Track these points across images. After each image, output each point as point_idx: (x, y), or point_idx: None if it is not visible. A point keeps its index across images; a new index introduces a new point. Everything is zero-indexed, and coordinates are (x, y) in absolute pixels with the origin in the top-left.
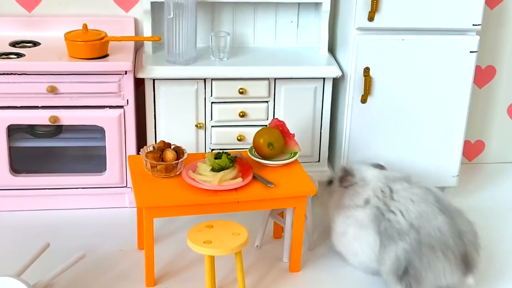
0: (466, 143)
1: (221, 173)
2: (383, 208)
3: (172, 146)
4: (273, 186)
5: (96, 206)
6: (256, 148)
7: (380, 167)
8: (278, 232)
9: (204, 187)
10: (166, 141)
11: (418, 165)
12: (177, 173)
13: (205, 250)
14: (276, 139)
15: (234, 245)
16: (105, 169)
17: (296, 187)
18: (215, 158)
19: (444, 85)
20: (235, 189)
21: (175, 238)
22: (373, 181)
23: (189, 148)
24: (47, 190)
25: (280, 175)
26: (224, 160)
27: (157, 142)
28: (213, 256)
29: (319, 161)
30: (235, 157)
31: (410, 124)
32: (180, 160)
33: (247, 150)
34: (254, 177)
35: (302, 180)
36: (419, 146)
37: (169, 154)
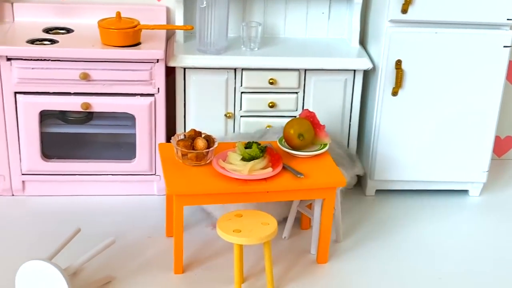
0: (496, 138)
1: (251, 162)
2: None
3: (203, 135)
4: (302, 176)
5: (125, 193)
6: (286, 138)
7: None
8: (306, 224)
9: (234, 176)
10: (197, 129)
11: (448, 160)
12: (208, 161)
13: (235, 239)
14: (307, 130)
15: (263, 235)
16: (135, 157)
17: (326, 178)
18: (246, 148)
19: (476, 80)
20: (265, 179)
21: (204, 226)
22: None
23: (218, 137)
24: (77, 176)
25: (309, 166)
26: (254, 150)
27: (188, 130)
28: (242, 245)
29: None
30: (265, 147)
31: (440, 118)
32: (210, 149)
33: (277, 140)
34: (283, 168)
35: (332, 171)
36: (449, 140)
37: (200, 143)
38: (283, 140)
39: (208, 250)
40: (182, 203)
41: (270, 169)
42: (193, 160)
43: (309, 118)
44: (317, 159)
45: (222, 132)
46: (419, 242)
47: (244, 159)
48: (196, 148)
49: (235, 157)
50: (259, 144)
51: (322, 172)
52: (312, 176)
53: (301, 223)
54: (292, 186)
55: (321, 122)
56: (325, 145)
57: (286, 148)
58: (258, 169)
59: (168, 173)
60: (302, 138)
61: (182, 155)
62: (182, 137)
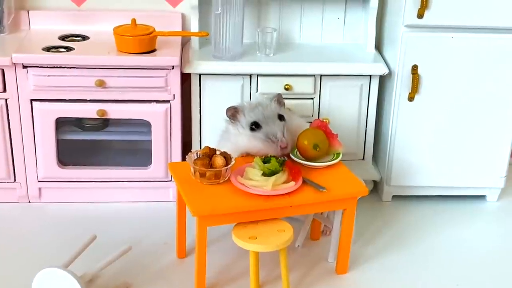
0: None
1: (273, 177)
2: None
3: (217, 152)
4: (325, 190)
5: (141, 199)
6: (300, 149)
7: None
8: (316, 234)
9: (257, 192)
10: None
11: (465, 165)
12: (226, 179)
13: (251, 246)
14: (321, 140)
15: (279, 242)
16: (151, 163)
17: (347, 188)
18: (264, 162)
19: (493, 84)
20: (288, 193)
21: (221, 237)
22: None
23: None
24: (93, 182)
25: (326, 177)
26: (274, 164)
27: (202, 148)
28: (258, 252)
29: (363, 159)
30: (284, 160)
31: (457, 123)
32: (229, 166)
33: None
34: (303, 181)
35: (351, 181)
36: (467, 145)
37: (219, 160)
38: (296, 150)
39: (223, 258)
40: (206, 224)
41: (292, 182)
42: (212, 179)
43: (322, 127)
44: (332, 169)
45: None
46: (437, 248)
47: (264, 174)
48: (215, 166)
49: (255, 173)
50: (277, 158)
51: (341, 182)
52: (332, 187)
53: (311, 233)
54: (315, 199)
55: (337, 128)
56: (338, 154)
57: (299, 159)
58: (280, 183)
59: (188, 194)
60: (318, 148)
61: (200, 174)
62: (196, 155)
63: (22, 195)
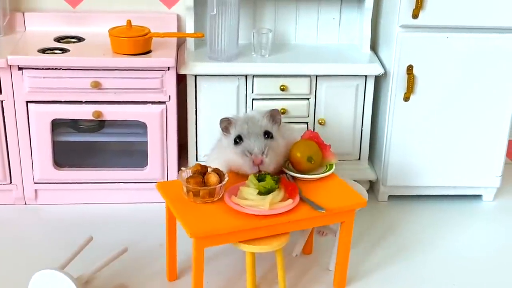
0: (509, 143)
1: (270, 196)
2: None
3: (209, 169)
4: (324, 211)
5: (137, 201)
6: (293, 162)
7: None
8: (308, 248)
9: (254, 212)
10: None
11: (461, 165)
12: (220, 196)
13: (247, 247)
14: (315, 152)
15: (276, 243)
16: (147, 164)
17: (345, 201)
18: (259, 181)
19: (489, 84)
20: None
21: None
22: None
23: None
24: (89, 184)
25: (321, 190)
26: (269, 182)
27: (193, 166)
28: (254, 253)
29: (359, 159)
30: (279, 177)
31: (453, 123)
32: (223, 183)
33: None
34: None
35: (348, 193)
36: (462, 145)
37: (213, 178)
38: (288, 163)
39: (221, 259)
40: (204, 245)
41: (290, 200)
42: (206, 197)
43: (314, 138)
44: (326, 180)
45: None
46: (433, 248)
47: (260, 192)
48: (209, 184)
49: (250, 192)
50: (272, 175)
51: (338, 194)
52: (329, 200)
53: (304, 247)
54: (313, 214)
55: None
56: (331, 165)
57: (293, 171)
58: (277, 201)
59: (183, 214)
60: (313, 161)
61: (193, 192)
62: (187, 173)
63: (18, 197)
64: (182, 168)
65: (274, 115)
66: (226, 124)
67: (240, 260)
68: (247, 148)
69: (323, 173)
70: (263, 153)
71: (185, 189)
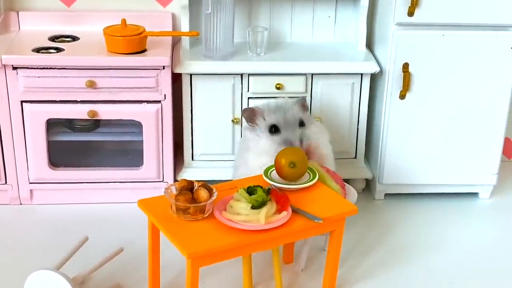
0: (506, 140)
1: (264, 209)
2: None
3: (196, 184)
4: (321, 221)
5: (133, 200)
6: (276, 167)
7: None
8: (289, 257)
9: (250, 228)
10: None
11: (457, 163)
12: (209, 212)
13: None
14: (301, 159)
15: None
16: (142, 163)
17: (336, 209)
18: (248, 193)
19: (485, 81)
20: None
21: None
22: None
23: (225, 143)
24: (84, 184)
25: (309, 199)
26: (260, 194)
27: (179, 181)
28: (250, 254)
29: (355, 157)
30: (269, 189)
31: (449, 121)
32: (212, 198)
33: (262, 174)
34: (293, 209)
35: (337, 201)
36: (459, 143)
37: (203, 193)
38: (268, 172)
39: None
40: (199, 265)
41: (285, 212)
42: (197, 214)
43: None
44: (313, 190)
45: (229, 138)
46: (429, 246)
47: (253, 206)
48: (200, 200)
49: (242, 207)
50: (262, 187)
51: (327, 203)
52: (321, 210)
53: (283, 256)
54: (310, 224)
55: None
56: (314, 173)
57: (273, 181)
58: (271, 215)
59: (174, 233)
60: (294, 166)
61: (183, 210)
62: (174, 189)
63: (13, 197)
64: (167, 186)
65: (304, 104)
66: (249, 113)
67: (237, 260)
68: (289, 140)
69: (308, 182)
70: (301, 141)
71: (174, 207)
